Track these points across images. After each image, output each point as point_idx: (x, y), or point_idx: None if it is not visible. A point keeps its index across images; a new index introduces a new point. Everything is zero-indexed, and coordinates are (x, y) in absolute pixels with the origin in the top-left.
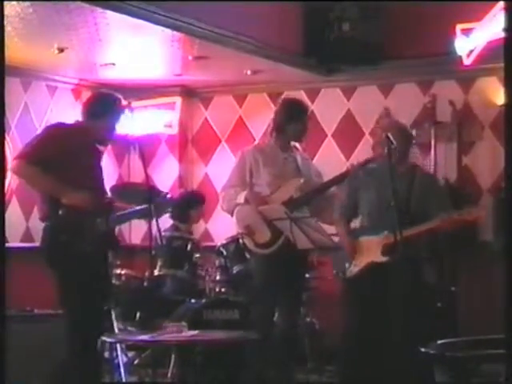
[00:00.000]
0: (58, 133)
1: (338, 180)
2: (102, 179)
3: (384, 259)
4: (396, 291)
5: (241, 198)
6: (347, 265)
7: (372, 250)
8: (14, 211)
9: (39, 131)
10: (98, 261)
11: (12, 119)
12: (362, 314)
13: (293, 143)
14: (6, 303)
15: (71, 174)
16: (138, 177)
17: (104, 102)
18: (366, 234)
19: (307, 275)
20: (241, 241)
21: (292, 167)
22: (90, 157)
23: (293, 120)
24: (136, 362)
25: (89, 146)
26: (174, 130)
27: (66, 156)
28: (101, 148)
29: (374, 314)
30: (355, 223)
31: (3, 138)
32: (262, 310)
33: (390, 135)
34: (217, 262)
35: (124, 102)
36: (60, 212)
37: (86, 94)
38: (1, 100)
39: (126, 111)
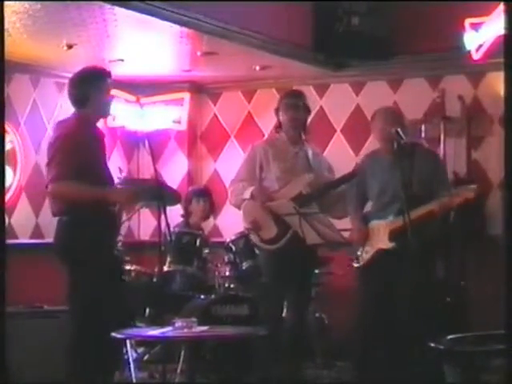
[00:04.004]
0: (68, 138)
1: (348, 178)
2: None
3: (391, 245)
4: (405, 278)
5: (247, 194)
6: (359, 252)
7: (380, 236)
8: (23, 207)
9: (50, 148)
10: (116, 257)
11: (21, 116)
12: (375, 300)
13: (304, 137)
14: (16, 300)
15: (97, 169)
16: (147, 173)
17: (85, 84)
18: (374, 219)
19: (316, 271)
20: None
21: (302, 162)
22: (100, 143)
23: (287, 111)
24: (146, 357)
25: (94, 134)
26: (183, 126)
27: (86, 155)
28: (102, 130)
29: (386, 301)
30: (367, 208)
31: (3, 138)
32: (269, 305)
33: (399, 130)
34: (226, 258)
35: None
36: (80, 207)
37: None
38: (1, 100)
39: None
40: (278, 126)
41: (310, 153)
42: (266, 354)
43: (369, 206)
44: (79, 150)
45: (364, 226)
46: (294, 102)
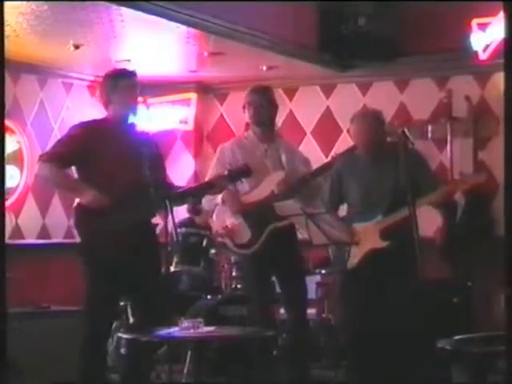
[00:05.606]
0: (78, 131)
1: (323, 170)
2: (141, 168)
3: (384, 244)
4: (402, 274)
5: (218, 198)
6: (345, 256)
7: (369, 237)
8: (30, 208)
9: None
10: (117, 258)
11: (28, 116)
12: (370, 303)
13: (274, 133)
14: (23, 300)
15: (104, 169)
16: None
17: (109, 85)
18: (358, 222)
19: (323, 271)
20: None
21: (273, 159)
22: (118, 148)
23: (250, 108)
24: None
25: (111, 137)
26: (190, 126)
27: (92, 152)
28: (132, 135)
29: (382, 302)
30: (342, 212)
31: (3, 137)
32: (255, 308)
33: (406, 131)
34: (232, 258)
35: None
36: (77, 209)
37: None
38: (1, 99)
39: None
40: (247, 124)
41: (281, 148)
42: (268, 354)
43: (344, 210)
44: (76, 140)
45: (348, 227)
46: (255, 99)
